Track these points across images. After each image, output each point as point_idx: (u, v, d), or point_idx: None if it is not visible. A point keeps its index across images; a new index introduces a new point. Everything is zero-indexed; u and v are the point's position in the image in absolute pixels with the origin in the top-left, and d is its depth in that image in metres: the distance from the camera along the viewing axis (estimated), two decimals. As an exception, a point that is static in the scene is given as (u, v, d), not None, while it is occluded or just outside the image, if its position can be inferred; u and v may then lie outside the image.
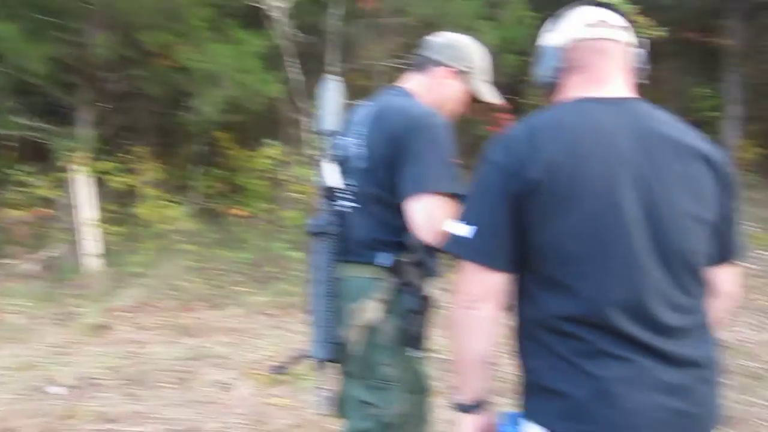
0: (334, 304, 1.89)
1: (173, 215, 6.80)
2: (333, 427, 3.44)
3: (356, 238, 1.91)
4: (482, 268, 1.34)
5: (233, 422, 3.50)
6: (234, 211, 7.47)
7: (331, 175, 1.94)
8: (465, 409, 1.45)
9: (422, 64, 2.04)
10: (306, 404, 3.66)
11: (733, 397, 3.40)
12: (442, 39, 2.04)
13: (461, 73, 2.02)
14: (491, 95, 2.08)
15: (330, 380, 2.01)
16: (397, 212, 1.87)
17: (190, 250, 6.72)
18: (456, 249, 1.38)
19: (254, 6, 6.46)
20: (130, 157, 7.33)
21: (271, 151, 6.80)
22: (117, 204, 7.56)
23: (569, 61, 1.43)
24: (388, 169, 1.85)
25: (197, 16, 6.39)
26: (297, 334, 5.03)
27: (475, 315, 1.36)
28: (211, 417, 3.56)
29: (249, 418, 3.55)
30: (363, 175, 1.91)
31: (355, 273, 1.91)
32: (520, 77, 10.89)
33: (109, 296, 5.94)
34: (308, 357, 2.02)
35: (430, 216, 1.75)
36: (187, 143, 9.38)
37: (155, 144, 8.33)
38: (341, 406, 2.05)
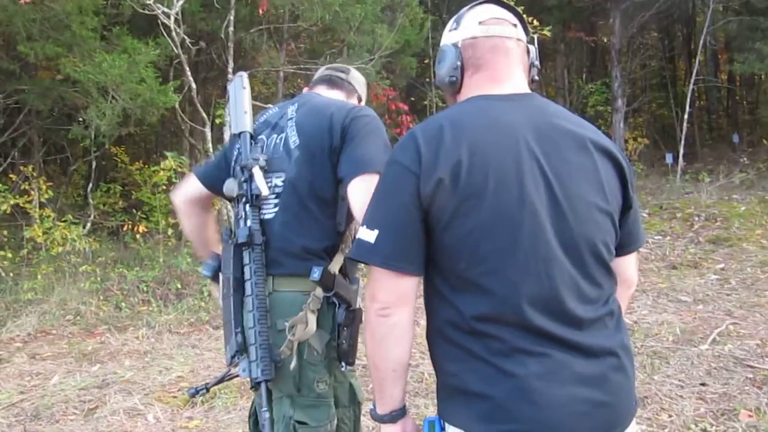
0: (267, 321, 1.77)
1: (68, 236, 6.42)
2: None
3: (282, 247, 1.82)
4: (392, 273, 1.29)
5: (146, 450, 3.34)
6: (134, 227, 7.15)
7: (261, 182, 1.82)
8: (386, 419, 1.40)
9: (343, 86, 2.12)
10: (223, 425, 3.55)
11: (639, 377, 3.56)
12: (353, 72, 2.20)
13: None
14: None
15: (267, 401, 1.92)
16: (327, 208, 1.82)
17: (88, 271, 6.38)
18: (364, 255, 1.32)
19: (144, 14, 6.21)
20: (16, 177, 6.90)
21: (171, 162, 6.54)
22: (4, 228, 7.10)
23: (468, 59, 1.44)
24: (328, 158, 1.82)
25: (84, 25, 6.09)
26: (209, 351, 4.87)
27: (390, 322, 1.31)
28: (122, 447, 3.39)
29: (163, 445, 3.40)
30: (293, 171, 1.84)
31: (285, 287, 1.82)
32: (419, 79, 11.14)
33: (1, 327, 5.55)
34: (234, 377, 1.92)
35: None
36: (79, 159, 8.96)
37: (45, 162, 7.89)
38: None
